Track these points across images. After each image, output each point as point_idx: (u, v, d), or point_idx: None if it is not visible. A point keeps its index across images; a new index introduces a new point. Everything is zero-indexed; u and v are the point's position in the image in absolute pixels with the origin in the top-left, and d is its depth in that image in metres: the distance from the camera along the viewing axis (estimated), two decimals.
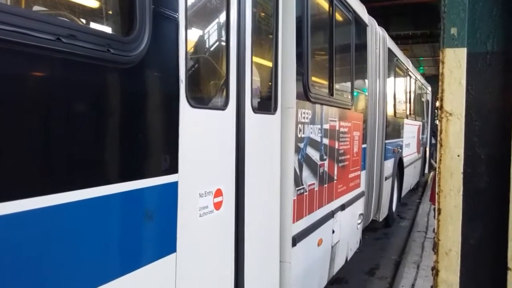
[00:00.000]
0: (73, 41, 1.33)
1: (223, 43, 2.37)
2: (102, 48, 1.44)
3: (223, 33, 2.37)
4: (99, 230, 1.52)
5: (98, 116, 1.52)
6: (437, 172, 1.81)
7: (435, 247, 1.82)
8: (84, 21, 1.73)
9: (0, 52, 1.17)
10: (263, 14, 2.91)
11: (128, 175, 1.63)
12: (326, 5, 3.85)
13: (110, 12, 1.78)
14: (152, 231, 1.78)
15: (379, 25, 6.24)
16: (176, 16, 1.86)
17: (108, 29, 1.76)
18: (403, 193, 8.98)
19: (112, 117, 1.59)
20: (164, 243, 1.85)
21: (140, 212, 1.70)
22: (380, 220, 6.76)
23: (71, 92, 1.40)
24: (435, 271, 1.83)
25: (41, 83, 1.33)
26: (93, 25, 1.76)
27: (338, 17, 4.12)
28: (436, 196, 1.81)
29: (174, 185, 1.87)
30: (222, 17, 2.36)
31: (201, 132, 2.11)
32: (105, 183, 1.51)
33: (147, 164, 1.76)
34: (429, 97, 13.67)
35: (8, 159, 1.21)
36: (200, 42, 2.44)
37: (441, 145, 1.78)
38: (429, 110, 13.57)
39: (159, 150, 1.84)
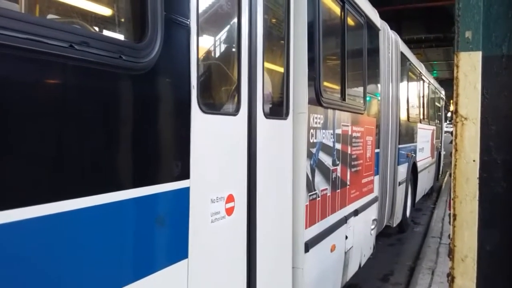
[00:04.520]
0: (86, 48, 1.34)
1: (235, 49, 2.37)
2: (114, 55, 1.45)
3: (235, 38, 2.37)
4: (111, 235, 1.53)
5: (110, 122, 1.53)
6: (452, 178, 1.78)
7: (451, 253, 1.79)
8: (96, 28, 1.75)
9: (14, 59, 1.19)
10: (274, 19, 2.91)
11: (140, 181, 1.64)
12: (337, 10, 3.84)
13: (122, 19, 1.80)
14: (164, 236, 1.78)
15: (391, 29, 6.20)
16: (188, 23, 1.87)
17: (120, 36, 1.78)
18: (417, 198, 8.88)
19: (124, 123, 1.60)
20: (176, 248, 1.84)
21: (152, 218, 1.70)
22: (394, 225, 6.68)
23: (84, 98, 1.41)
24: (450, 277, 1.80)
25: (54, 90, 1.34)
26: (105, 32, 1.77)
27: (350, 21, 4.10)
28: (452, 201, 1.78)
29: (186, 190, 1.87)
30: (234, 23, 2.37)
31: (213, 137, 2.11)
32: (117, 189, 1.52)
33: (159, 170, 1.76)
34: (443, 101, 13.54)
35: (23, 166, 1.23)
36: (212, 48, 2.45)
37: (456, 150, 1.75)
38: (442, 114, 13.44)
39: (170, 155, 1.84)
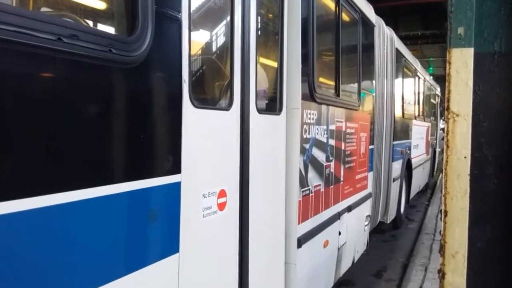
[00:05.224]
0: (75, 41, 1.33)
1: (228, 43, 2.36)
2: (103, 48, 1.44)
3: (228, 33, 2.36)
4: (102, 229, 1.52)
5: (100, 116, 1.52)
6: (443, 174, 1.79)
7: (442, 250, 1.80)
8: (86, 21, 1.74)
9: (2, 52, 1.17)
10: (268, 14, 2.90)
11: (131, 175, 1.63)
12: (332, 5, 3.83)
13: (112, 12, 1.79)
14: (155, 231, 1.77)
15: (387, 25, 6.20)
16: (179, 17, 1.86)
17: (110, 29, 1.77)
18: (412, 194, 8.92)
19: (115, 117, 1.59)
20: (167, 243, 1.84)
21: (143, 212, 1.70)
22: (388, 222, 6.71)
23: (73, 92, 1.40)
24: (441, 273, 1.81)
25: (43, 83, 1.33)
26: (95, 25, 1.76)
27: (345, 17, 4.10)
28: (443, 198, 1.79)
29: (177, 185, 1.87)
30: (227, 17, 2.36)
31: (205, 132, 2.10)
32: (107, 182, 1.51)
33: (150, 164, 1.75)
34: (438, 98, 13.58)
35: (12, 159, 1.22)
36: (204, 43, 2.44)
37: (447, 146, 1.75)
38: (438, 111, 13.48)
39: (161, 150, 1.83)
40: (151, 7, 1.65)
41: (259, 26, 2.56)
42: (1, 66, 1.19)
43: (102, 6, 1.84)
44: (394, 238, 7.33)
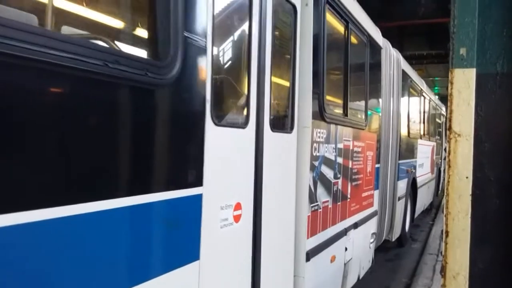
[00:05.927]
0: (118, 66, 1.49)
1: (245, 66, 2.52)
2: (141, 72, 1.61)
3: (245, 55, 2.52)
4: (134, 235, 1.67)
5: (136, 133, 1.69)
6: (445, 194, 1.78)
7: (443, 271, 1.77)
8: (124, 47, 1.91)
9: (62, 75, 1.35)
10: (282, 38, 3.06)
11: (159, 187, 1.78)
12: (342, 29, 4.00)
13: (147, 40, 1.95)
14: (179, 238, 1.91)
15: (393, 45, 6.33)
16: (204, 43, 2.02)
17: (145, 55, 1.94)
18: (416, 213, 8.92)
19: (148, 134, 1.75)
20: (189, 250, 1.98)
21: (169, 220, 1.84)
22: (393, 240, 6.73)
23: (114, 111, 1.57)
24: None
25: (86, 101, 1.48)
26: (133, 51, 1.93)
27: (353, 40, 4.26)
28: (444, 218, 1.77)
29: (199, 197, 2.01)
30: (244, 41, 2.52)
31: (224, 148, 2.24)
32: (139, 193, 1.67)
33: (176, 177, 1.90)
34: (444, 118, 13.66)
35: (58, 170, 1.37)
36: (224, 65, 2.60)
37: (449, 166, 1.74)
38: (443, 131, 13.56)
39: (187, 164, 1.98)
40: (181, 35, 1.82)
41: (274, 50, 2.72)
42: (60, 88, 1.37)
43: (139, 34, 2.02)
44: (398, 257, 7.33)
